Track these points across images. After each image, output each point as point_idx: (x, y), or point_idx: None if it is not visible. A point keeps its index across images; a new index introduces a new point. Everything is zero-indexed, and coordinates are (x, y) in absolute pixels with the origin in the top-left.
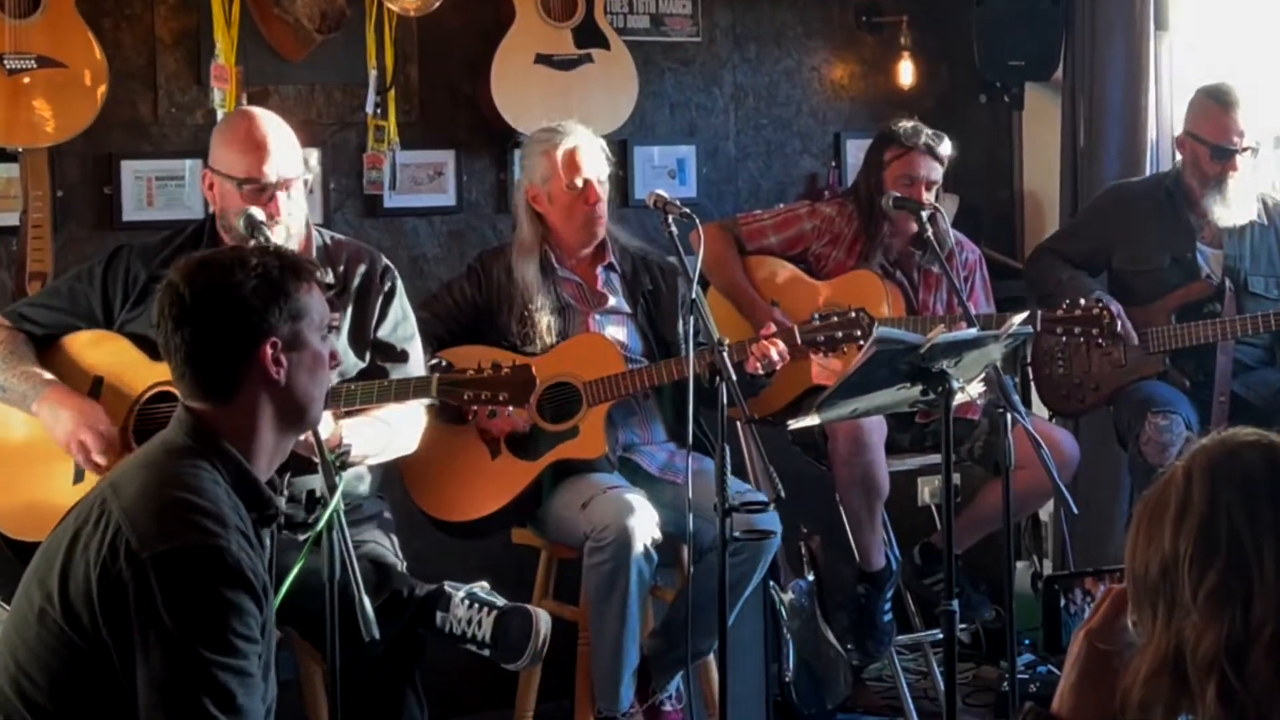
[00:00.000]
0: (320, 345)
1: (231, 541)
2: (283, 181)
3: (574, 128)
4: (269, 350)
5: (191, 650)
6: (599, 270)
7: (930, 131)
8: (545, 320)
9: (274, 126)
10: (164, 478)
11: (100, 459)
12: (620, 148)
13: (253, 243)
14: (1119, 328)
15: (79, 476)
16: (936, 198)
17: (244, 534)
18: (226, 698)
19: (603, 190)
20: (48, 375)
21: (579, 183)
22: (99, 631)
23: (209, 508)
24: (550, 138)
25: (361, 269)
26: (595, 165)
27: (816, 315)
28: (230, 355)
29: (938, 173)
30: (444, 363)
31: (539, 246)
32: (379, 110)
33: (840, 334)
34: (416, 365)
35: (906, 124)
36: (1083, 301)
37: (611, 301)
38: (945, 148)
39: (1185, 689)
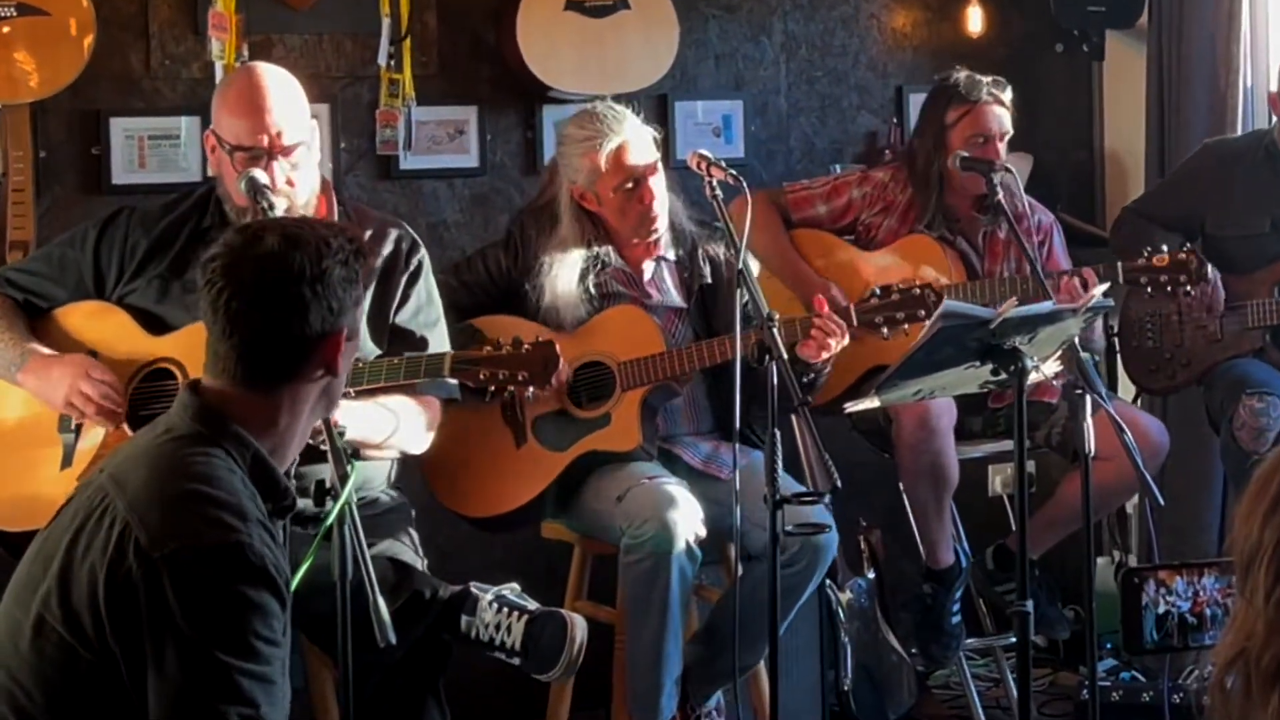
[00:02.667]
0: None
1: (253, 536)
2: (280, 148)
3: (614, 118)
4: (342, 341)
5: (210, 655)
6: (647, 263)
7: (989, 79)
8: (583, 315)
9: (275, 85)
10: (173, 468)
11: (106, 404)
12: (660, 103)
13: (257, 208)
14: (1208, 273)
15: (67, 461)
16: (1006, 150)
17: (264, 526)
18: (249, 706)
19: (657, 185)
20: (33, 344)
21: (630, 184)
22: (104, 639)
23: (226, 499)
24: (590, 137)
25: (387, 245)
26: (645, 159)
27: (875, 290)
28: (302, 342)
29: (1009, 121)
30: (469, 326)
31: (584, 239)
32: (393, 62)
33: (901, 314)
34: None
35: (960, 74)
36: (1165, 247)
37: (658, 299)
38: (1008, 93)
39: (1251, 691)
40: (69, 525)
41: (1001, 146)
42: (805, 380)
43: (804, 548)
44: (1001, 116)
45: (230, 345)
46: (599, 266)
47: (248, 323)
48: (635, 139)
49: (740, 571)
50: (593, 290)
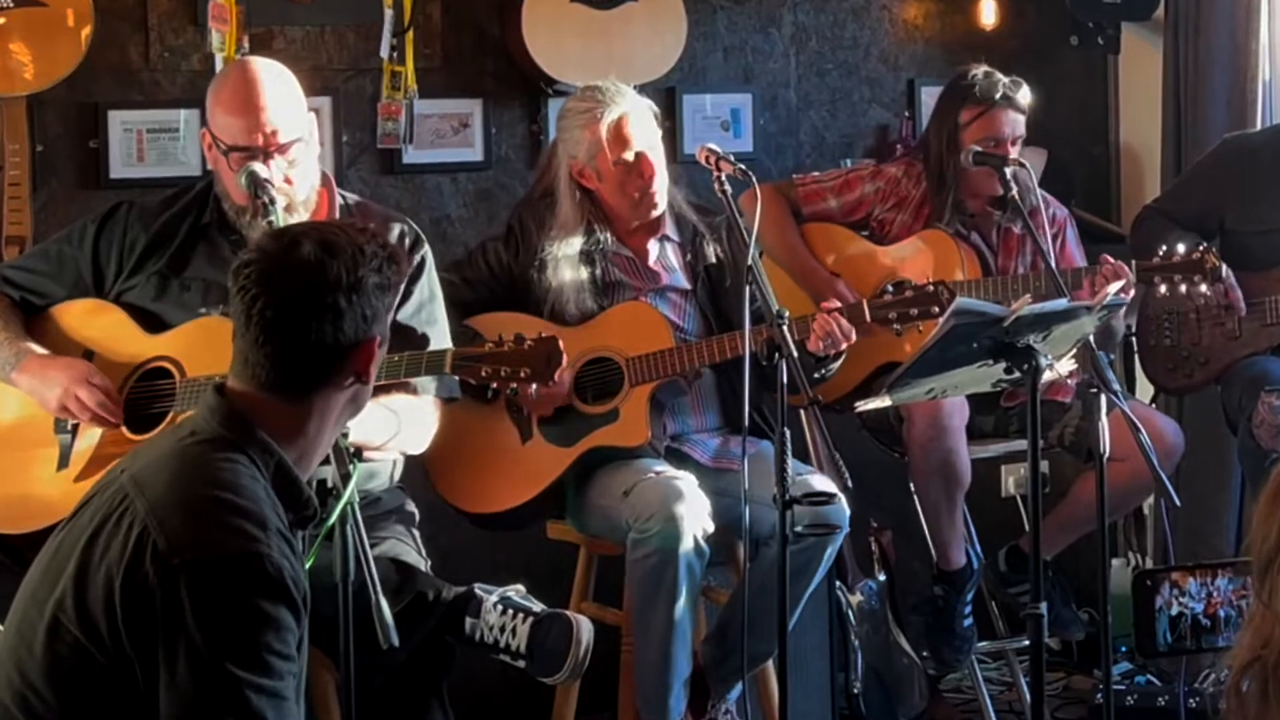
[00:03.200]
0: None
1: (273, 548)
2: (276, 146)
3: (616, 91)
4: (375, 348)
5: (221, 667)
6: (651, 244)
7: (1006, 80)
8: (587, 305)
9: (270, 82)
10: (197, 473)
11: (101, 413)
12: (667, 96)
13: (258, 202)
14: (1222, 273)
15: (63, 462)
16: (1019, 152)
17: (285, 538)
18: None
19: (658, 160)
20: (29, 343)
21: (630, 157)
22: (120, 643)
23: (248, 508)
24: (591, 108)
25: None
26: (646, 134)
27: (889, 287)
28: (336, 351)
29: (1022, 126)
30: (469, 330)
31: (583, 222)
32: (395, 54)
33: (915, 310)
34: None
35: (978, 73)
36: (1181, 247)
37: (666, 279)
38: (1025, 94)
39: (1268, 696)
40: (87, 526)
41: (1014, 149)
42: (817, 377)
43: (812, 524)
44: (1015, 121)
45: (263, 354)
46: (600, 253)
47: (283, 332)
48: (636, 112)
49: (748, 565)
50: (597, 279)
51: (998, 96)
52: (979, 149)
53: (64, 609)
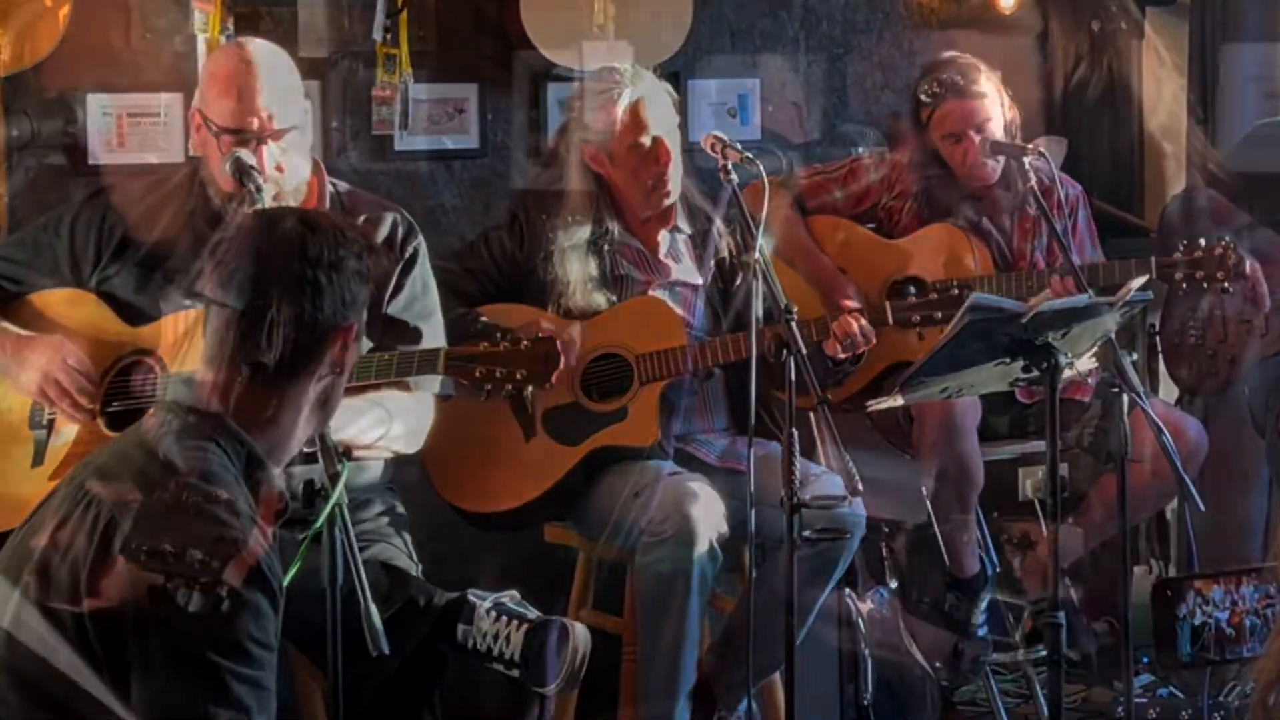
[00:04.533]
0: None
1: (247, 534)
2: (271, 132)
3: (635, 74)
4: (352, 335)
5: (200, 656)
6: (662, 234)
7: (954, 68)
8: (593, 298)
9: (268, 65)
10: (165, 462)
11: (82, 399)
12: (672, 81)
13: (244, 190)
14: (1246, 268)
15: (38, 459)
16: (1015, 135)
17: (257, 524)
18: (240, 711)
19: (674, 146)
20: (3, 323)
21: (646, 141)
22: (86, 639)
23: (220, 494)
24: (608, 88)
25: (382, 231)
26: (664, 118)
27: (911, 289)
28: (314, 331)
29: (986, 108)
30: (471, 314)
31: (592, 210)
32: (388, 36)
33: (940, 313)
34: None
35: (926, 71)
36: (1203, 241)
37: (676, 272)
38: (979, 79)
39: None
40: (50, 520)
41: (989, 132)
42: (835, 364)
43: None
44: (969, 112)
45: (240, 330)
46: (608, 244)
47: (262, 306)
48: (654, 96)
49: (754, 574)
50: (605, 272)
51: (945, 91)
52: (995, 139)
53: (27, 605)
